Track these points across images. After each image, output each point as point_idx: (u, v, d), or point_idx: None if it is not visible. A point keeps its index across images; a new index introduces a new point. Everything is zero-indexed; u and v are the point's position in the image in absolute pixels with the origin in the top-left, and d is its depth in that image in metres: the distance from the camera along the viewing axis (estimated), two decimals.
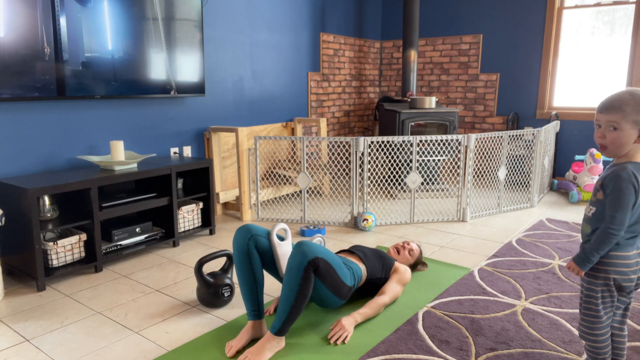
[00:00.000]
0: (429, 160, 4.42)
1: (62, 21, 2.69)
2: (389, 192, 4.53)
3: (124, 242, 2.86)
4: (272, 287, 2.42)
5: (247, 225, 2.00)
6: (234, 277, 2.50)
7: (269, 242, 2.02)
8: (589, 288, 1.51)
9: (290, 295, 1.78)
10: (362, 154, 3.39)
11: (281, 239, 2.08)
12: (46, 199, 2.56)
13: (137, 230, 2.92)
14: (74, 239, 2.61)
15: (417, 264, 2.56)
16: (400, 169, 4.07)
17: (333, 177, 5.05)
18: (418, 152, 4.13)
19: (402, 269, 2.30)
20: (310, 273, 1.79)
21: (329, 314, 2.14)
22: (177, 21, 3.32)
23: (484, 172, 5.02)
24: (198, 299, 2.26)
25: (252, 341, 1.89)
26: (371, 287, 2.23)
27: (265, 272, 2.45)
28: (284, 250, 2.04)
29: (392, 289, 2.20)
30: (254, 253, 1.96)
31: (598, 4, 4.60)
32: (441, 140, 4.09)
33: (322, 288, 1.92)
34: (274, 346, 1.81)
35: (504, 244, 3.06)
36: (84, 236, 2.64)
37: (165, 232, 3.09)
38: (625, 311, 1.57)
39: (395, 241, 3.16)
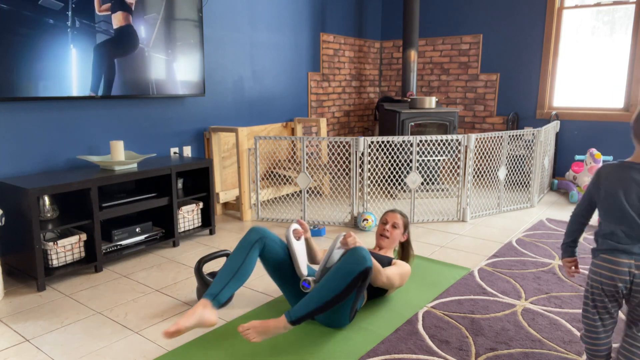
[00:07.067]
0: (429, 160, 4.41)
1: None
2: (389, 192, 4.53)
3: (124, 242, 2.86)
4: (271, 287, 2.42)
5: (263, 228, 2.04)
6: None
7: (286, 242, 2.05)
8: (585, 289, 1.56)
9: (326, 294, 1.76)
10: (362, 154, 3.39)
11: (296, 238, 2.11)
12: (46, 199, 2.56)
13: (137, 230, 2.92)
14: (74, 239, 2.61)
15: (407, 243, 2.43)
16: (400, 169, 4.07)
17: (333, 177, 5.05)
18: (418, 152, 4.13)
19: (400, 263, 2.25)
20: (359, 282, 1.78)
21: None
22: (177, 21, 3.32)
23: (484, 172, 5.02)
24: (198, 299, 2.25)
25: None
26: (371, 290, 2.21)
27: (253, 276, 2.51)
28: (297, 249, 2.05)
29: (395, 269, 2.17)
30: (256, 252, 1.98)
31: (598, 4, 4.60)
32: (441, 140, 4.09)
33: (349, 301, 1.89)
34: (279, 331, 1.77)
35: (504, 244, 3.06)
36: (84, 236, 2.65)
37: (165, 232, 3.09)
38: (632, 323, 1.49)
39: None
